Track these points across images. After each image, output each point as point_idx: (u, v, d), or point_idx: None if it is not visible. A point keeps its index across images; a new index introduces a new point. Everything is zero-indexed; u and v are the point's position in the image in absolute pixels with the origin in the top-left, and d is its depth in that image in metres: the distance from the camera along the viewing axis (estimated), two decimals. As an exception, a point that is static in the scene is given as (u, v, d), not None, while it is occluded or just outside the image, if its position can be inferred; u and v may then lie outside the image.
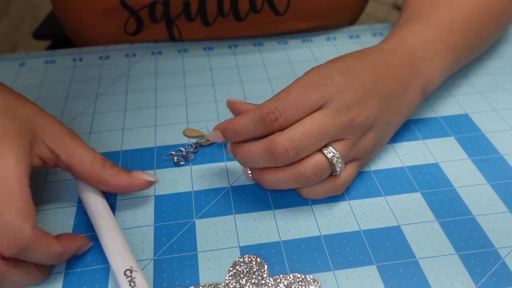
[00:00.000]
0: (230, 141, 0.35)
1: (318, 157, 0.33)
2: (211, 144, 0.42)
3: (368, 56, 0.39)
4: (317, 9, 0.55)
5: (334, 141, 0.34)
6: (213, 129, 0.36)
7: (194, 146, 0.42)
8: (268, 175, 0.35)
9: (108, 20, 0.52)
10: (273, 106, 0.33)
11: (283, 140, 0.32)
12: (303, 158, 0.33)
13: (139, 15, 0.52)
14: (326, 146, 0.34)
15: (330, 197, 0.37)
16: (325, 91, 0.34)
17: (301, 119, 0.33)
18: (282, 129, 0.33)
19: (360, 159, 0.37)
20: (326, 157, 0.33)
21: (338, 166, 0.34)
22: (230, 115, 0.45)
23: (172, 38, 0.55)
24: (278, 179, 0.34)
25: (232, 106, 0.38)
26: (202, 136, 0.43)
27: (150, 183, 0.35)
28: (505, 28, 0.52)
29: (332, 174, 0.35)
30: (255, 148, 0.33)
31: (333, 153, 0.33)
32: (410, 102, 0.40)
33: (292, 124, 0.33)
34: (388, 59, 0.39)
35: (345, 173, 0.36)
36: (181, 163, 0.40)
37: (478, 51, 0.50)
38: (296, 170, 0.33)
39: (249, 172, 0.36)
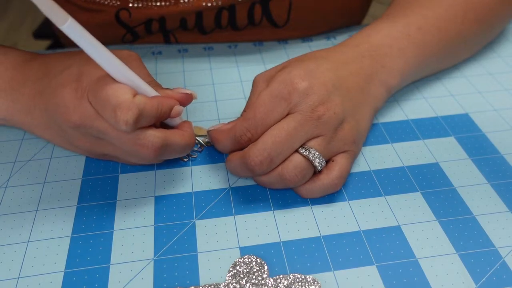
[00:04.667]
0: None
1: (295, 157, 0.35)
2: None
3: (329, 55, 0.40)
4: (316, 21, 0.55)
5: (311, 139, 0.35)
6: (208, 134, 0.39)
7: (199, 145, 0.42)
8: (255, 177, 0.37)
9: (104, 32, 0.52)
10: (244, 128, 0.35)
11: (255, 151, 0.34)
12: (284, 162, 0.35)
13: (135, 31, 0.52)
14: (302, 145, 0.35)
15: (329, 194, 0.37)
16: (289, 100, 0.35)
17: None
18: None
19: (349, 150, 0.37)
20: (303, 155, 0.35)
21: (316, 162, 0.35)
22: (229, 115, 0.45)
23: (168, 43, 0.55)
24: (264, 181, 0.36)
25: (211, 137, 0.39)
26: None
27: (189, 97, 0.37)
28: (496, 29, 0.52)
29: (315, 171, 0.36)
30: (235, 161, 0.36)
31: (309, 150, 0.35)
32: (373, 94, 0.40)
33: None
34: (349, 56, 0.40)
35: (338, 166, 0.36)
36: (185, 160, 0.40)
37: (462, 52, 0.49)
38: (277, 173, 0.35)
39: None
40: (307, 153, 0.35)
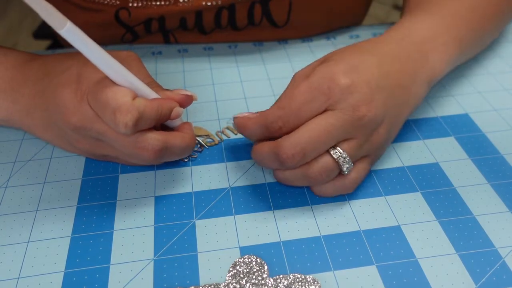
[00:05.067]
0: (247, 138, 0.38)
1: (324, 158, 0.33)
2: (216, 144, 0.42)
3: (374, 48, 0.38)
4: (316, 21, 0.54)
5: (343, 140, 0.34)
6: (233, 122, 0.38)
7: (199, 145, 0.42)
8: (278, 171, 0.36)
9: (103, 32, 0.52)
10: (276, 115, 0.34)
11: (288, 144, 0.33)
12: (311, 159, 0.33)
13: (135, 31, 0.52)
14: (333, 146, 0.34)
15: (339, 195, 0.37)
16: (329, 95, 0.33)
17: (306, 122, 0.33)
18: (289, 133, 0.34)
19: (371, 156, 0.37)
20: (333, 157, 0.33)
21: (345, 166, 0.34)
22: (230, 115, 0.45)
23: (168, 43, 0.55)
24: (286, 177, 0.35)
25: (237, 123, 0.37)
26: (208, 136, 0.42)
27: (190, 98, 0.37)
28: (504, 26, 0.52)
29: (340, 173, 0.35)
30: (264, 151, 0.34)
31: (340, 153, 0.33)
32: (417, 93, 0.39)
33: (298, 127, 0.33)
34: (395, 51, 0.38)
35: (355, 171, 0.35)
36: (185, 160, 0.40)
37: (481, 46, 0.49)
38: (303, 171, 0.34)
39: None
40: (337, 155, 0.33)
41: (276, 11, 0.51)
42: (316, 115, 0.33)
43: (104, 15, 0.50)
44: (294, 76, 0.37)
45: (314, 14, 0.53)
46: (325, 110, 0.34)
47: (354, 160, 0.35)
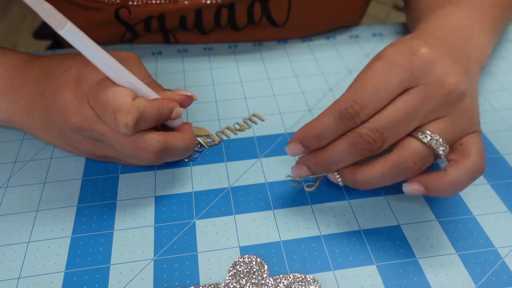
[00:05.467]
0: (312, 148, 0.33)
1: (414, 145, 0.30)
2: (216, 144, 0.42)
3: (430, 36, 0.36)
4: (316, 21, 0.55)
5: (431, 121, 0.31)
6: (289, 143, 0.33)
7: (199, 145, 0.42)
8: (362, 173, 0.32)
9: (103, 31, 0.52)
10: (350, 99, 0.30)
11: (367, 130, 0.30)
12: (398, 149, 0.31)
13: (135, 29, 0.52)
14: (421, 129, 0.31)
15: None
16: (411, 70, 0.30)
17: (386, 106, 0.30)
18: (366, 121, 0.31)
19: (476, 131, 0.32)
20: (423, 142, 0.30)
21: (440, 149, 0.30)
22: (229, 115, 0.45)
23: (168, 43, 0.55)
24: (374, 176, 0.31)
25: (301, 132, 0.33)
26: (208, 136, 0.43)
27: (189, 98, 0.37)
28: None
29: (437, 158, 0.31)
30: (339, 145, 0.31)
31: (430, 136, 0.30)
32: (474, 73, 0.36)
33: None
34: (443, 37, 0.36)
35: (475, 147, 0.31)
36: (185, 160, 0.40)
37: (504, 31, 0.50)
38: (393, 163, 0.31)
39: (338, 177, 0.34)
40: (427, 139, 0.30)
41: (276, 10, 0.51)
42: (397, 95, 0.30)
43: (104, 14, 0.50)
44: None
45: (313, 13, 0.53)
46: (408, 89, 0.30)
47: (453, 141, 0.31)
